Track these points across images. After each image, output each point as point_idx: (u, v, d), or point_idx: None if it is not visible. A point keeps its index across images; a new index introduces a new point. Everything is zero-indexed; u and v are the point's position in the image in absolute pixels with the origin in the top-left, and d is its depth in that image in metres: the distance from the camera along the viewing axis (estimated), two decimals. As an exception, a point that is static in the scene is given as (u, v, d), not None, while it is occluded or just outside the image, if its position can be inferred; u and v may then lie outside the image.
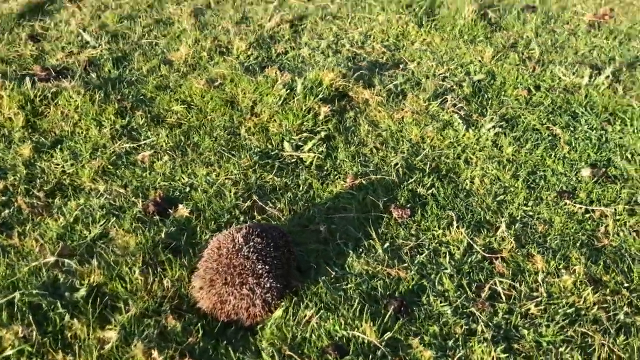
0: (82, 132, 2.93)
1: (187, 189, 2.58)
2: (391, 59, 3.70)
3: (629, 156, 2.84)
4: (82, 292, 2.00)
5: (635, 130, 3.02)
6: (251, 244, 2.01)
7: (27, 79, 3.16)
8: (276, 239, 2.10)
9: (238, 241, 2.00)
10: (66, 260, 2.13)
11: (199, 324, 1.95)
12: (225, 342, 1.93)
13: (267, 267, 1.99)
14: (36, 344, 1.84)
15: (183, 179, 2.65)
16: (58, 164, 2.70)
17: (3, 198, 2.49)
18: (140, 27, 4.00)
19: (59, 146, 2.83)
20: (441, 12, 4.28)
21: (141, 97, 3.23)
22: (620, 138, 2.98)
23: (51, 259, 2.13)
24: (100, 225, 2.33)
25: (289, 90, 3.17)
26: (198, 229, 2.35)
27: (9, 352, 1.81)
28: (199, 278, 2.01)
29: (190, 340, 1.89)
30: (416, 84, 3.39)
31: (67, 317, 1.92)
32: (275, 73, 3.33)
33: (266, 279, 1.98)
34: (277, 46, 3.78)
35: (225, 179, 2.64)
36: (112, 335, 1.86)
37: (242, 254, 1.98)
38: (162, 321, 1.95)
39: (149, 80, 3.36)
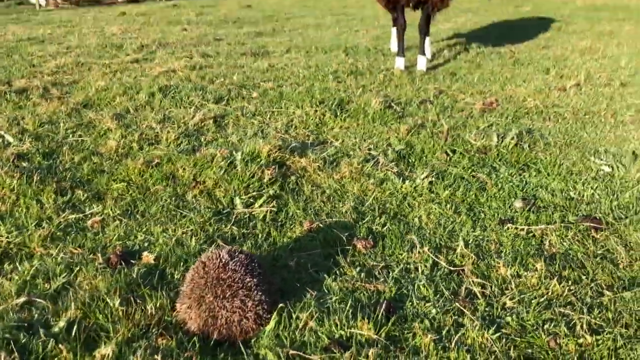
0: (21, 210, 2.81)
1: (146, 243, 2.52)
2: (316, 139, 3.93)
3: (551, 191, 3.13)
4: (62, 323, 1.88)
5: (549, 175, 3.35)
6: (236, 259, 2.00)
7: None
8: (256, 260, 2.10)
9: (224, 257, 1.99)
10: (38, 300, 1.99)
11: (192, 341, 1.87)
12: (222, 354, 1.85)
13: (255, 280, 1.98)
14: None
15: (139, 236, 2.59)
16: (2, 237, 2.56)
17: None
18: (62, 130, 3.99)
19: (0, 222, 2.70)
20: (352, 106, 4.64)
21: (78, 180, 3.18)
22: (538, 181, 3.29)
23: (22, 299, 1.98)
24: (63, 277, 2.21)
25: (229, 162, 3.26)
26: (167, 270, 2.29)
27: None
28: (186, 297, 1.95)
29: (187, 355, 1.80)
30: (346, 155, 3.59)
31: (50, 345, 1.77)
32: (212, 150, 3.42)
33: (256, 291, 1.96)
34: (206, 136, 3.90)
35: (182, 233, 2.62)
36: (107, 350, 1.73)
37: (230, 268, 1.96)
38: (153, 343, 1.84)
39: (83, 167, 3.33)
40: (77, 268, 2.29)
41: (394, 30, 7.60)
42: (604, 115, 4.60)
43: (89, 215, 2.77)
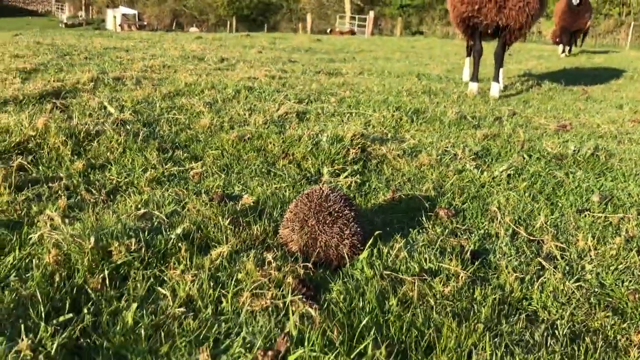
0: (128, 160, 3.06)
1: (244, 192, 2.72)
2: (394, 136, 4.09)
3: (627, 193, 3.20)
4: (178, 230, 2.06)
5: (625, 180, 3.42)
6: (336, 194, 2.17)
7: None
8: (352, 200, 2.26)
9: (326, 191, 2.16)
10: (156, 212, 2.19)
11: (295, 256, 2.03)
12: (320, 270, 2.00)
13: (352, 213, 2.13)
14: (145, 259, 1.87)
15: (237, 187, 2.80)
16: (112, 177, 2.80)
17: (66, 192, 2.56)
18: (158, 108, 4.28)
19: (109, 166, 2.95)
20: (427, 114, 4.80)
21: (177, 144, 3.43)
22: (614, 184, 3.35)
23: (141, 211, 2.19)
24: (173, 206, 2.42)
25: (315, 142, 3.46)
26: (267, 210, 2.47)
27: (118, 261, 1.83)
28: (289, 222, 2.12)
29: (291, 265, 1.96)
30: (424, 148, 3.74)
31: (171, 242, 1.96)
32: (299, 131, 3.63)
33: (352, 223, 2.11)
34: (291, 125, 4.12)
35: (276, 188, 2.81)
36: (223, 249, 1.91)
37: (331, 199, 2.13)
38: (260, 254, 2.02)
39: (180, 136, 3.58)
40: (185, 200, 2.49)
41: (467, 60, 7.79)
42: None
43: (189, 169, 2.99)
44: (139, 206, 2.38)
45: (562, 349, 1.63)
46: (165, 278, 1.82)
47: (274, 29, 39.72)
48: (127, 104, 4.32)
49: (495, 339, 1.65)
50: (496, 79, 6.61)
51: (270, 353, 1.43)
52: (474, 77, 6.62)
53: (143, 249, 1.90)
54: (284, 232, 2.14)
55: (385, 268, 2.02)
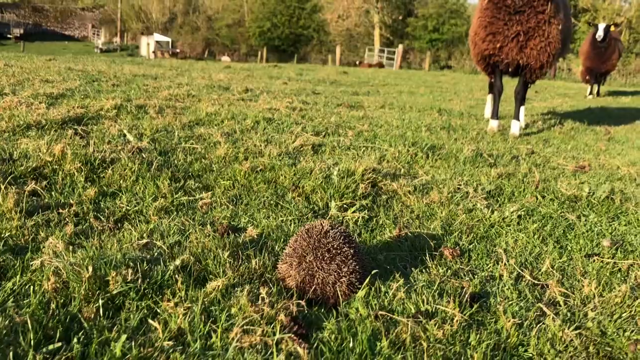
0: (140, 188, 3.11)
1: (250, 225, 2.74)
2: (407, 172, 4.09)
3: (639, 239, 3.15)
4: (177, 262, 2.08)
5: (639, 225, 3.36)
6: (336, 230, 2.17)
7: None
8: (353, 237, 2.26)
9: (325, 226, 2.17)
10: (158, 242, 2.22)
11: (290, 292, 2.03)
12: (316, 308, 2.00)
13: (351, 250, 2.14)
14: (141, 289, 1.89)
15: (244, 218, 2.82)
16: (122, 205, 2.85)
17: (75, 219, 2.60)
18: (177, 137, 4.35)
19: (120, 194, 3.00)
20: (443, 151, 4.80)
21: (189, 173, 3.47)
22: (627, 229, 3.30)
23: (144, 240, 2.22)
24: (176, 236, 2.45)
25: (325, 176, 3.48)
26: (269, 243, 2.49)
27: (114, 291, 1.85)
28: (288, 257, 2.13)
29: (286, 302, 1.96)
30: (436, 186, 3.74)
31: (168, 274, 1.98)
32: (311, 164, 3.66)
33: (351, 260, 2.11)
34: (305, 157, 4.15)
35: (282, 221, 2.82)
36: (218, 283, 1.92)
37: (330, 235, 2.13)
38: (256, 289, 2.02)
39: (194, 166, 3.63)
40: (189, 231, 2.52)
41: (489, 97, 7.79)
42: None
43: (199, 199, 3.03)
44: (144, 235, 2.42)
45: (552, 399, 1.60)
46: (158, 310, 1.83)
47: (303, 59, 40.20)
48: (147, 132, 4.40)
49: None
50: (517, 117, 6.59)
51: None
52: (494, 115, 6.61)
53: (139, 280, 1.92)
54: (282, 267, 2.15)
55: (381, 308, 2.01)
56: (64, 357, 1.53)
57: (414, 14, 47.56)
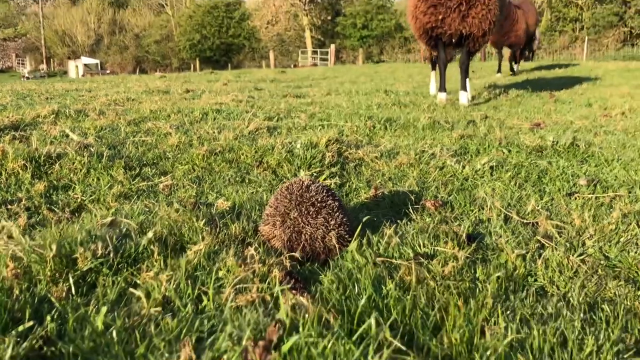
0: (93, 179, 2.88)
1: (218, 199, 2.55)
2: (370, 141, 3.98)
3: (613, 176, 3.12)
4: (150, 235, 1.89)
5: (609, 165, 3.34)
6: (317, 184, 2.02)
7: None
8: (334, 191, 2.12)
9: (306, 182, 2.01)
10: (124, 220, 2.02)
11: (278, 252, 1.87)
12: (308, 264, 1.85)
13: (336, 203, 1.99)
14: (114, 264, 1.69)
15: (211, 195, 2.64)
16: (76, 195, 2.62)
17: (27, 212, 2.37)
18: (124, 132, 4.11)
19: (73, 186, 2.77)
20: (400, 121, 4.71)
21: (144, 162, 3.25)
22: (599, 169, 3.28)
23: (109, 219, 2.02)
24: (141, 216, 2.25)
25: (288, 150, 3.32)
26: (244, 212, 2.31)
27: (84, 268, 1.65)
28: (270, 217, 1.97)
29: (276, 258, 1.80)
30: (401, 150, 3.63)
31: (142, 246, 1.79)
32: (272, 141, 3.49)
33: (337, 213, 1.97)
34: (263, 139, 3.98)
35: (252, 192, 2.65)
36: (200, 247, 1.74)
37: (312, 189, 1.98)
38: (239, 253, 1.85)
39: (148, 155, 3.42)
40: (155, 209, 2.32)
41: (432, 74, 7.79)
42: (653, 132, 4.60)
43: (159, 183, 2.82)
44: (107, 217, 2.20)
45: (581, 316, 1.49)
46: (138, 282, 1.64)
47: (237, 67, 39.76)
48: (90, 131, 4.15)
49: (507, 312, 1.50)
50: (464, 87, 6.59)
51: (261, 343, 1.26)
52: (442, 87, 6.59)
53: (111, 254, 1.72)
54: (264, 229, 1.98)
55: (377, 255, 1.87)
56: (38, 336, 1.32)
57: (342, 13, 47.74)
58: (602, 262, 1.93)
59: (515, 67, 13.76)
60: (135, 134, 4.11)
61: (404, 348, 1.26)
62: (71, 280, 1.60)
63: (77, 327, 1.39)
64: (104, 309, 1.42)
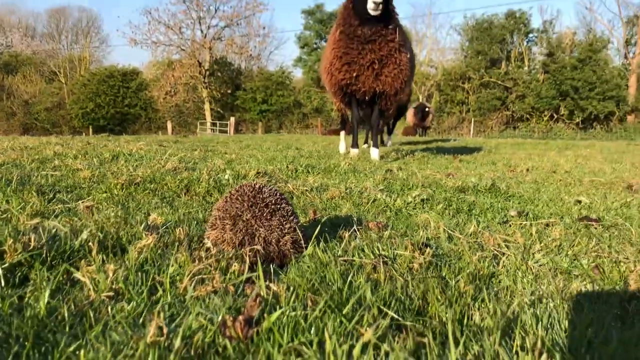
0: (2, 202, 2.59)
1: (150, 217, 2.35)
2: (296, 179, 3.89)
3: (539, 210, 3.20)
4: (84, 235, 1.68)
5: (532, 202, 3.44)
6: (270, 187, 1.91)
7: None
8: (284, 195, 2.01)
9: (257, 185, 1.90)
10: (50, 222, 1.79)
11: (230, 254, 1.71)
12: (264, 265, 1.70)
13: (290, 207, 1.88)
14: (48, 260, 1.48)
15: (139, 215, 2.43)
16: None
17: None
18: (28, 167, 3.80)
19: (-23, 204, 2.47)
20: (321, 167, 4.67)
21: (57, 189, 2.99)
22: (523, 205, 3.36)
23: (35, 220, 1.78)
24: (67, 227, 2.02)
25: (216, 181, 3.17)
26: (183, 226, 2.13)
27: (14, 260, 1.43)
28: (219, 220, 1.81)
29: (227, 256, 1.64)
30: (330, 187, 3.57)
31: (79, 242, 1.58)
32: (197, 173, 3.33)
33: (292, 217, 1.86)
34: (181, 175, 3.80)
35: (184, 214, 2.47)
36: (146, 242, 1.56)
37: (265, 192, 1.86)
38: (188, 253, 1.68)
39: (61, 183, 3.15)
40: (80, 223, 2.09)
41: (342, 134, 7.91)
42: (558, 183, 4.83)
43: (79, 204, 2.58)
44: (28, 226, 1.96)
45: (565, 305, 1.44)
46: (78, 275, 1.43)
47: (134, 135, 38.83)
48: (-10, 166, 3.80)
49: (489, 292, 1.43)
50: (376, 144, 6.71)
51: (241, 317, 1.11)
52: (354, 144, 6.68)
53: (45, 248, 1.50)
54: (212, 234, 1.81)
55: (338, 257, 1.75)
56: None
57: (242, 88, 48.36)
58: (557, 269, 1.91)
59: (387, 139, 12.83)
60: (41, 169, 3.80)
61: (399, 318, 1.14)
62: (0, 272, 1.36)
63: (13, 313, 1.17)
64: (45, 293, 1.21)
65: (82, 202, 2.56)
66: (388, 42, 6.12)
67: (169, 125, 36.92)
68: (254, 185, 1.87)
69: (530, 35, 44.66)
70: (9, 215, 2.32)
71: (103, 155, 4.72)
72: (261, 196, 1.83)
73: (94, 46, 59.78)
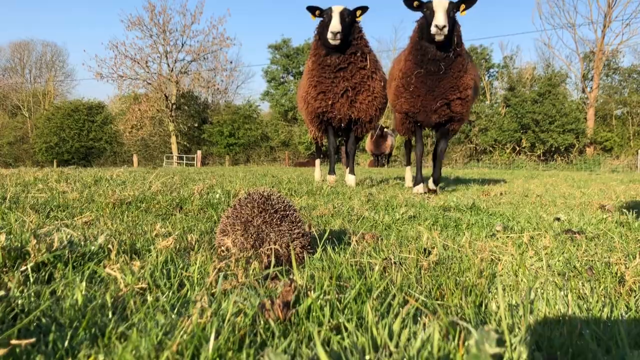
0: (-4, 217, 2.60)
1: (154, 229, 2.38)
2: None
3: (522, 225, 3.31)
4: (101, 239, 1.71)
5: (514, 219, 3.55)
6: (277, 194, 1.97)
7: None
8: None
9: (265, 193, 1.96)
10: (66, 229, 1.82)
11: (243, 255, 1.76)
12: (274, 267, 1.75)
13: (297, 214, 1.94)
14: (69, 262, 1.51)
15: (142, 227, 2.45)
16: (-19, 227, 2.34)
17: None
18: (12, 191, 3.78)
19: (-26, 220, 2.47)
20: (304, 191, 4.74)
21: (50, 207, 2.99)
22: (507, 221, 3.47)
23: (45, 229, 1.80)
24: (75, 236, 2.04)
25: (208, 200, 3.21)
26: (189, 236, 2.17)
27: (38, 260, 1.46)
28: (229, 227, 1.86)
29: (242, 255, 1.69)
30: (315, 207, 3.64)
31: (98, 244, 1.61)
32: (188, 192, 3.36)
33: (300, 223, 1.92)
34: (172, 194, 3.82)
35: (188, 227, 2.51)
36: (166, 243, 1.60)
37: (273, 199, 1.93)
38: (207, 253, 1.72)
39: (51, 202, 3.15)
40: (86, 233, 2.12)
41: (317, 162, 8.01)
42: (533, 204, 4.98)
43: (77, 220, 2.60)
44: (45, 227, 1.97)
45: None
46: (104, 272, 1.46)
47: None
48: (-26, 189, 3.77)
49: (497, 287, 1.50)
50: (352, 171, 6.81)
51: (278, 301, 1.16)
52: (331, 170, 6.77)
53: (67, 250, 1.53)
54: (223, 239, 1.86)
55: (347, 259, 1.81)
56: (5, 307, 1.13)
57: (209, 121, 48.38)
58: (553, 270, 2.00)
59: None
60: (27, 192, 3.78)
61: (427, 301, 1.21)
62: (29, 268, 1.39)
63: (51, 303, 1.20)
64: (82, 285, 1.24)
65: (79, 218, 2.57)
66: (359, 69, 6.27)
67: (135, 159, 36.65)
68: (262, 192, 1.93)
69: (492, 70, 45.84)
70: (9, 229, 2.33)
71: (85, 180, 4.71)
72: (270, 202, 1.89)
73: (59, 80, 59.27)
